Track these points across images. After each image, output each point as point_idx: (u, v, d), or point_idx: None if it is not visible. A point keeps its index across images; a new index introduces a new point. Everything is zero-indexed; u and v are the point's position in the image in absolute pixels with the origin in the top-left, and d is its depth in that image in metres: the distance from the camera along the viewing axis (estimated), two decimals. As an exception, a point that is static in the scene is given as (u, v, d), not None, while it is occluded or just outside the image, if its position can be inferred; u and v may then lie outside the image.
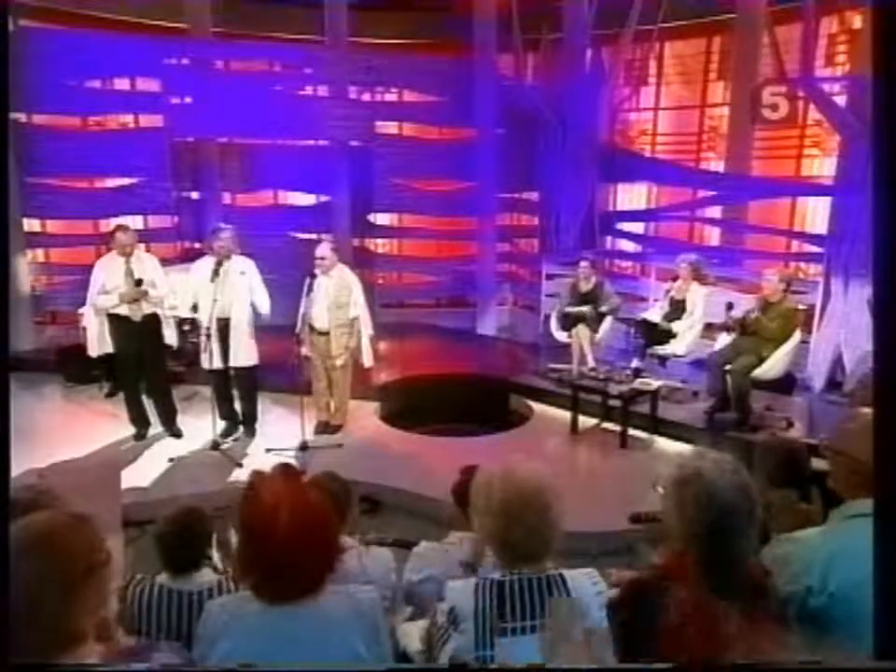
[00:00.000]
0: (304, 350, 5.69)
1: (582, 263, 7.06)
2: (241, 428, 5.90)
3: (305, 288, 5.56)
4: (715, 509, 1.49)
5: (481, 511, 1.74)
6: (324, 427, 5.94)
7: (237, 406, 5.90)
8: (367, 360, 5.94)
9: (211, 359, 5.49)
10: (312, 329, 5.67)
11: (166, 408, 5.85)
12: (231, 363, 5.58)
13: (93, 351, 5.86)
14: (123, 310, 5.43)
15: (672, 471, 1.58)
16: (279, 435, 5.82)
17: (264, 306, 5.58)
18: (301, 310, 5.63)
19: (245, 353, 5.59)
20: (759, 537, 1.60)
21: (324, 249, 5.69)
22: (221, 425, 5.70)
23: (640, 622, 1.53)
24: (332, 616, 1.64)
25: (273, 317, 6.08)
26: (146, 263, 5.56)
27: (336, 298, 5.66)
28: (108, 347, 5.67)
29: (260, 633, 1.59)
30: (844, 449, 1.75)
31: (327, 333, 5.71)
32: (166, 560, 2.29)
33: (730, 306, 5.90)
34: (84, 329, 5.94)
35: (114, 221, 8.22)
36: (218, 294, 5.32)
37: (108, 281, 5.39)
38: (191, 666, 1.62)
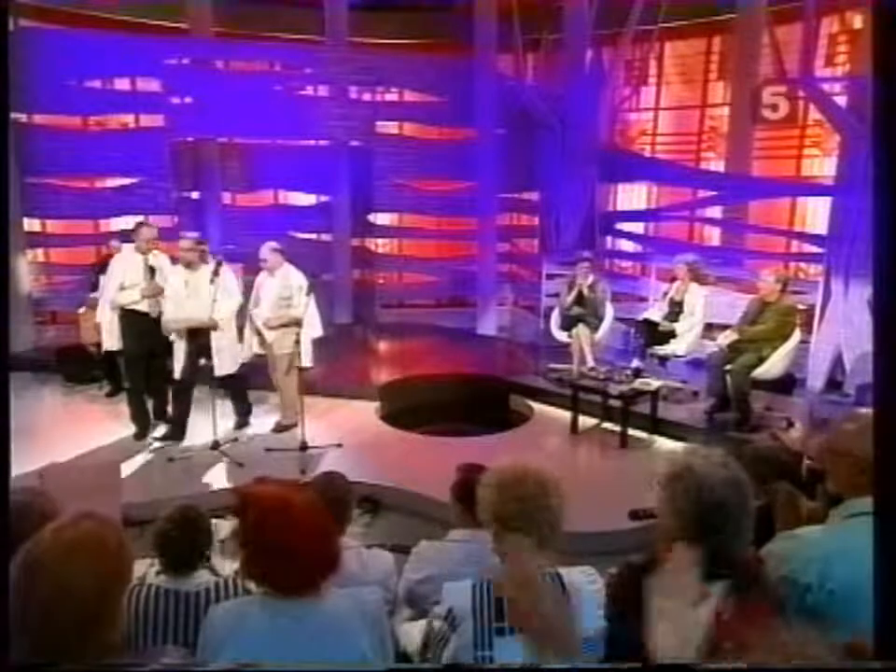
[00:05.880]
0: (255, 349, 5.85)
1: (581, 264, 7.05)
2: (250, 418, 6.05)
3: (255, 290, 5.75)
4: (705, 502, 1.50)
5: (483, 496, 1.84)
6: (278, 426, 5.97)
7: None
8: (305, 361, 5.77)
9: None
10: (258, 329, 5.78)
11: (165, 407, 5.84)
12: (217, 373, 5.52)
13: (108, 345, 5.78)
14: (143, 306, 5.50)
15: (664, 468, 1.59)
16: (279, 435, 5.84)
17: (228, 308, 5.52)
18: (251, 307, 5.79)
19: (228, 361, 5.58)
20: (760, 532, 1.61)
21: (265, 251, 5.77)
22: (224, 421, 5.77)
23: (636, 617, 1.54)
24: (337, 618, 1.64)
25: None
26: (161, 261, 5.64)
27: (279, 298, 5.70)
28: (117, 344, 5.66)
29: (265, 636, 1.59)
30: (848, 449, 1.73)
31: (271, 331, 5.76)
32: (165, 558, 2.27)
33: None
34: (97, 324, 5.82)
35: (114, 221, 8.26)
36: (191, 306, 5.36)
37: (127, 277, 5.45)
38: (192, 667, 1.62)
